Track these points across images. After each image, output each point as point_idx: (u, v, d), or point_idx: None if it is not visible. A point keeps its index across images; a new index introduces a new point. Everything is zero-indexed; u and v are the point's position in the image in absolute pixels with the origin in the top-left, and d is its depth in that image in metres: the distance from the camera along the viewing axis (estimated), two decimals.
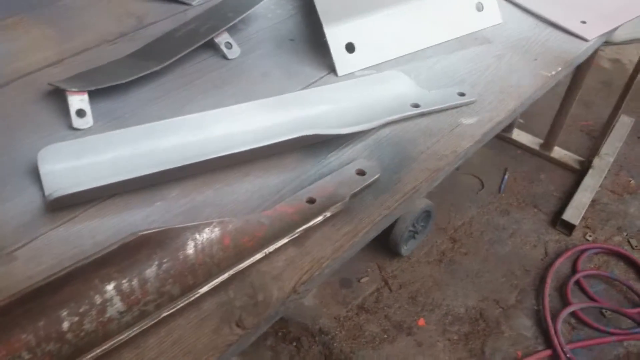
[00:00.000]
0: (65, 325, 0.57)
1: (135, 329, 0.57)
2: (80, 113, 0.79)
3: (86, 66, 0.89)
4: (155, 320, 0.58)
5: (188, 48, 0.89)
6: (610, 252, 2.04)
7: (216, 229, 0.66)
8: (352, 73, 0.92)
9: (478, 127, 0.83)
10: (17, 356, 0.55)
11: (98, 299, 0.59)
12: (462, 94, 0.87)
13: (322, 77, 0.92)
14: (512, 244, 2.12)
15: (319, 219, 0.67)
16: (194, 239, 0.65)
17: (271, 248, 0.65)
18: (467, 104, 0.87)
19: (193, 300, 0.60)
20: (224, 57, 0.94)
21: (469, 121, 0.84)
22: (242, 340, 0.59)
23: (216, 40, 0.93)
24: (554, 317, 1.85)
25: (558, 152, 2.40)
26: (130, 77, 0.83)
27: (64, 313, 0.58)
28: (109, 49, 0.95)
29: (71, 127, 0.80)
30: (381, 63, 0.94)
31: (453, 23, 0.99)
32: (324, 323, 1.74)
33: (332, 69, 0.93)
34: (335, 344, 1.72)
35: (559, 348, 1.72)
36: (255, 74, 0.93)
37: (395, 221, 1.67)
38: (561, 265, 1.98)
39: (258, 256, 0.64)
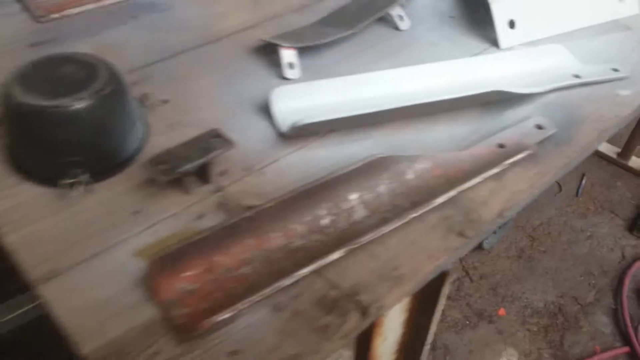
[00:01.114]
0: (325, 221, 0.70)
1: (380, 229, 0.69)
2: (291, 65, 0.93)
3: (280, 30, 1.02)
4: (397, 225, 0.69)
5: (369, 18, 1.02)
6: None
7: (428, 161, 0.78)
8: (511, 47, 1.04)
9: (634, 98, 0.94)
10: (291, 242, 0.67)
11: (346, 205, 0.72)
12: (615, 70, 0.98)
13: (485, 49, 1.04)
14: (589, 245, 2.18)
15: (519, 156, 0.78)
16: (412, 167, 0.77)
17: (478, 179, 0.76)
18: (620, 79, 0.97)
19: (421, 215, 0.72)
20: (396, 28, 1.07)
21: (625, 92, 0.94)
22: (465, 246, 0.70)
23: (391, 12, 1.05)
24: (632, 316, 1.91)
25: (635, 162, 2.45)
26: (328, 39, 0.96)
27: (324, 212, 0.70)
28: (295, 17, 1.09)
29: (281, 77, 0.94)
30: (536, 40, 1.06)
31: (597, 9, 1.10)
32: None
33: (493, 43, 1.05)
34: None
35: (637, 345, 1.77)
36: (425, 43, 1.05)
37: None
38: (638, 269, 2.04)
39: (469, 184, 0.75)
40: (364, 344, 0.79)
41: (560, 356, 1.84)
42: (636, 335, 1.81)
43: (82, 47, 0.94)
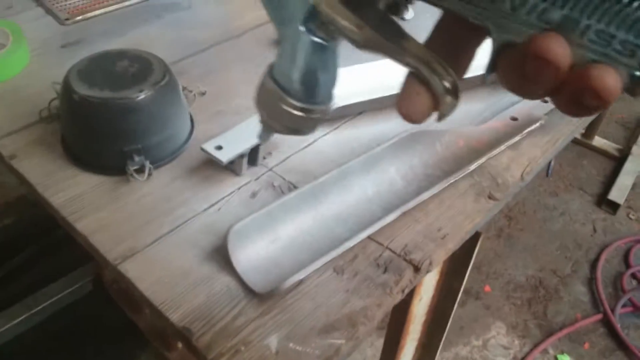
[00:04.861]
0: (370, 193, 0.77)
1: (419, 196, 0.76)
2: None
3: None
4: (434, 192, 0.77)
5: None
6: None
7: (453, 134, 0.86)
8: None
9: None
10: (343, 211, 0.74)
11: (387, 177, 0.79)
12: None
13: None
14: (563, 221, 2.32)
15: (532, 127, 0.87)
16: (440, 140, 0.85)
17: (498, 149, 0.84)
18: None
19: (452, 182, 0.79)
20: (402, 18, 1.14)
21: None
22: (494, 208, 0.78)
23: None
24: (606, 285, 2.06)
25: (598, 141, 2.63)
26: None
27: (368, 184, 0.77)
28: None
29: None
30: None
31: None
32: None
33: None
34: None
35: (609, 312, 1.91)
36: None
37: None
38: (614, 250, 2.19)
39: (491, 153, 0.83)
40: (402, 304, 0.87)
41: (544, 325, 1.96)
42: (615, 305, 1.94)
43: (112, 46, 0.98)
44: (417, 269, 0.69)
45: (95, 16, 1.07)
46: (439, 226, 0.74)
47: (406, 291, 0.68)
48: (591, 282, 2.06)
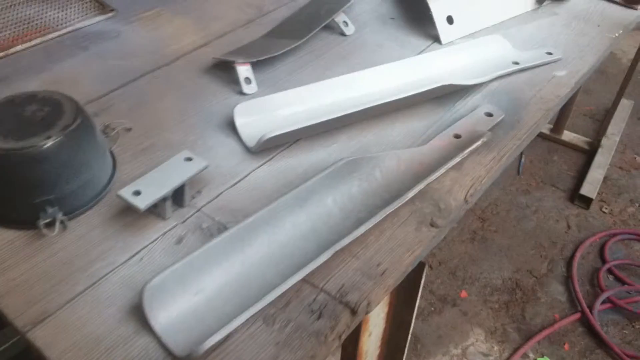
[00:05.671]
0: (304, 228, 0.72)
1: (357, 230, 0.72)
2: (247, 80, 0.95)
3: (231, 46, 1.04)
4: (373, 224, 0.72)
5: (315, 26, 1.05)
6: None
7: (392, 159, 0.82)
8: (452, 41, 1.10)
9: (570, 77, 1.01)
10: (274, 252, 0.69)
11: (323, 210, 0.74)
12: (549, 53, 1.05)
13: (428, 46, 1.09)
14: (536, 219, 2.30)
15: (475, 145, 0.83)
16: (379, 166, 0.80)
17: (440, 171, 0.80)
18: (555, 61, 1.04)
19: (393, 211, 0.75)
20: (342, 34, 1.11)
21: (561, 73, 1.01)
22: (437, 235, 0.74)
23: (336, 19, 1.09)
24: (583, 282, 2.03)
25: (568, 135, 2.61)
26: (280, 50, 0.99)
27: (302, 219, 0.73)
28: (243, 32, 1.11)
29: (240, 92, 0.96)
30: (473, 33, 1.12)
31: None
32: None
33: (435, 39, 1.11)
34: None
35: (587, 310, 1.88)
36: (372, 46, 1.09)
37: None
38: (589, 246, 2.16)
39: (433, 176, 0.79)
40: (351, 341, 0.82)
41: (523, 329, 1.92)
42: (594, 303, 1.90)
43: (34, 83, 0.93)
44: (353, 312, 0.64)
45: (17, 52, 1.01)
46: (379, 261, 0.70)
47: (343, 337, 0.64)
48: (568, 280, 2.03)
